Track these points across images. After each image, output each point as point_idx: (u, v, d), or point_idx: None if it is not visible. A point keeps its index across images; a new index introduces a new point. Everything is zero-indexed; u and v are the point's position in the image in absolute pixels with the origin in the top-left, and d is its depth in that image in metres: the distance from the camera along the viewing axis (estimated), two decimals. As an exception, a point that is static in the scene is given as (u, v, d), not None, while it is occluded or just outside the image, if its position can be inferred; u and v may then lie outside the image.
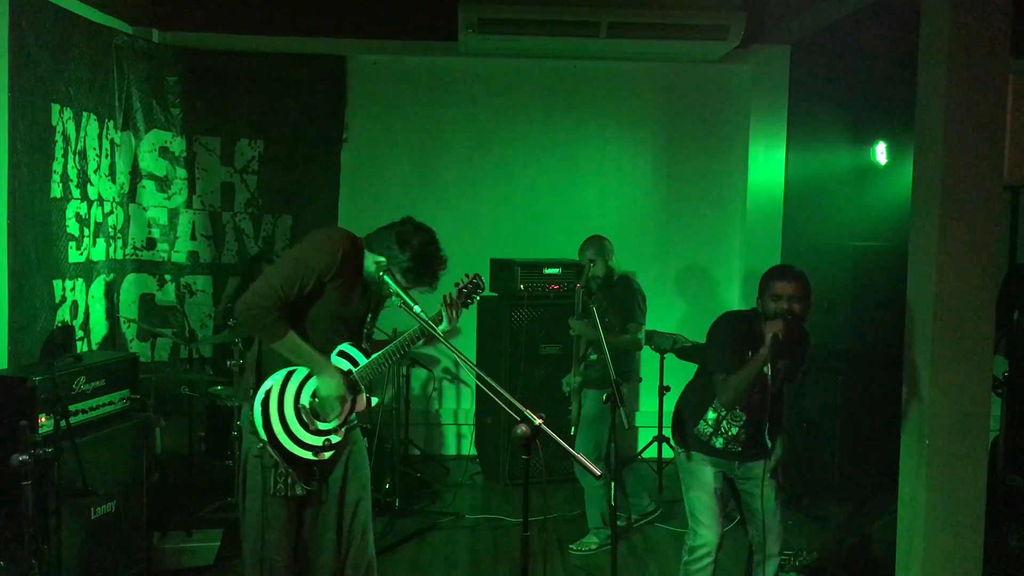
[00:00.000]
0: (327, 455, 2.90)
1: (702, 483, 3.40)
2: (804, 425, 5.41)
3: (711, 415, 3.37)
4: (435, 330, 2.75)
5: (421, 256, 2.83)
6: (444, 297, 2.93)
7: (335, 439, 2.91)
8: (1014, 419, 4.57)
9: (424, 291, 2.92)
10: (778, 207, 6.22)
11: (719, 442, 3.37)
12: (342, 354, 2.92)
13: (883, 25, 5.50)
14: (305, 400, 2.88)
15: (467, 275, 3.01)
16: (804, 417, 5.50)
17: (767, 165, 6.18)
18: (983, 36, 3.31)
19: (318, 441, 2.88)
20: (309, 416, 2.87)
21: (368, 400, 2.98)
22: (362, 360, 2.93)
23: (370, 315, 3.08)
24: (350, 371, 2.91)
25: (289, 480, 2.84)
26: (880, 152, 6.09)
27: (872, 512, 4.23)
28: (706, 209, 6.35)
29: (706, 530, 3.36)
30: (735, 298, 6.34)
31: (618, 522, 4.53)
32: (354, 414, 3.02)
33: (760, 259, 6.21)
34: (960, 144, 3.34)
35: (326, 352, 2.89)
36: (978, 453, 3.46)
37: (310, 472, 2.93)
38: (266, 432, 2.82)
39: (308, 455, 2.86)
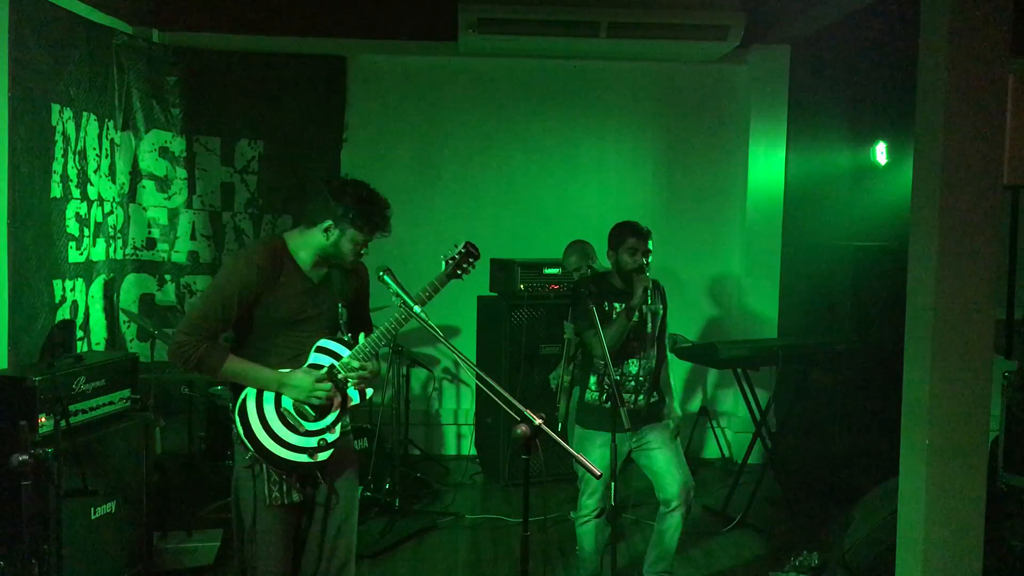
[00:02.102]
0: (324, 455, 2.77)
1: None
2: (804, 425, 5.42)
3: (592, 379, 3.72)
4: (435, 330, 2.72)
5: (361, 198, 2.74)
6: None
7: (331, 437, 2.78)
8: (1014, 419, 4.57)
9: (381, 237, 2.81)
10: (778, 207, 6.22)
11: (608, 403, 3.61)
12: (321, 350, 2.81)
13: (883, 25, 5.51)
14: (287, 403, 2.77)
15: (456, 244, 2.88)
16: (804, 417, 5.51)
17: (767, 165, 6.18)
18: (983, 36, 3.31)
19: (312, 442, 2.76)
20: (295, 419, 2.76)
21: (363, 392, 2.85)
22: (344, 352, 2.81)
23: (342, 304, 2.89)
24: (332, 365, 2.79)
25: (284, 487, 2.74)
26: (880, 152, 6.10)
27: (872, 512, 4.22)
28: (706, 209, 6.35)
29: (589, 499, 3.74)
30: (734, 297, 6.34)
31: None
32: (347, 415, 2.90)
33: (760, 259, 6.23)
34: (960, 144, 3.33)
35: (304, 354, 2.79)
36: (978, 453, 3.45)
37: (311, 477, 2.82)
38: (251, 442, 2.73)
39: (303, 458, 2.75)
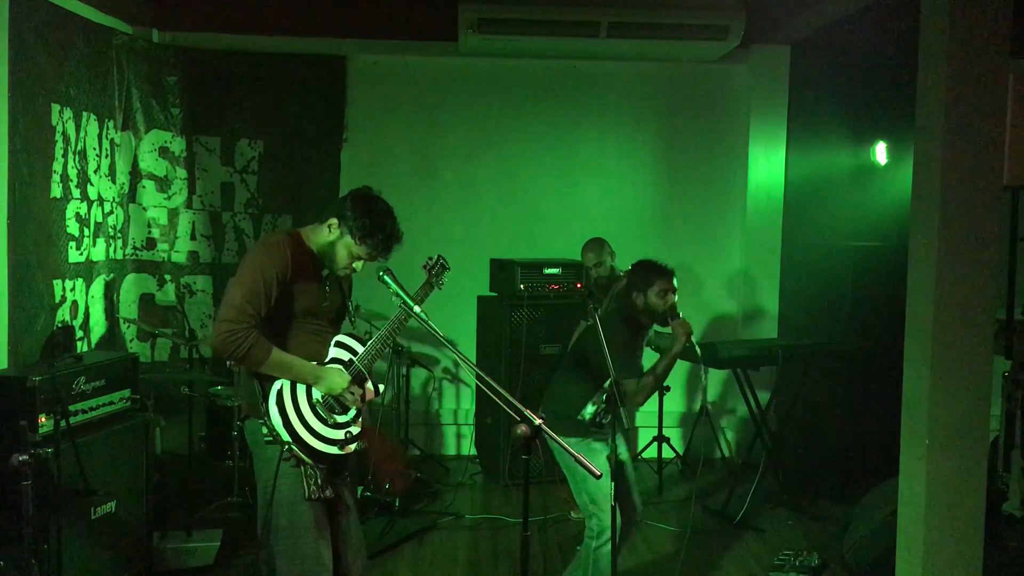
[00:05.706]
0: (352, 447, 2.80)
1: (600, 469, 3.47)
2: (804, 425, 5.42)
3: (590, 407, 3.39)
4: (435, 330, 2.71)
5: (372, 214, 2.75)
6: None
7: (355, 430, 2.81)
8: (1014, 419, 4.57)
9: (379, 259, 2.83)
10: (778, 207, 6.23)
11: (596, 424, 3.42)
12: (339, 344, 2.84)
13: (883, 25, 5.51)
14: (318, 394, 2.77)
15: (431, 257, 3.01)
16: (804, 417, 5.51)
17: (767, 165, 6.18)
18: (983, 36, 3.31)
19: (339, 435, 2.77)
20: (325, 410, 2.76)
21: (376, 387, 2.90)
22: (359, 347, 2.85)
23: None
24: (351, 360, 2.83)
25: (320, 481, 2.72)
26: (880, 152, 6.10)
27: (872, 511, 4.23)
28: (706, 209, 6.36)
29: (605, 514, 3.36)
30: (735, 298, 6.34)
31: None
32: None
33: (760, 259, 6.24)
34: (960, 144, 3.33)
35: (324, 347, 2.83)
36: (978, 453, 3.45)
37: (339, 470, 2.84)
38: (289, 432, 2.68)
39: (335, 450, 2.76)
